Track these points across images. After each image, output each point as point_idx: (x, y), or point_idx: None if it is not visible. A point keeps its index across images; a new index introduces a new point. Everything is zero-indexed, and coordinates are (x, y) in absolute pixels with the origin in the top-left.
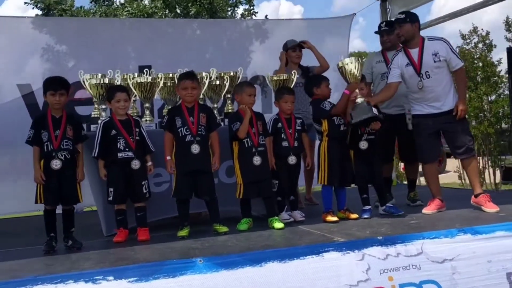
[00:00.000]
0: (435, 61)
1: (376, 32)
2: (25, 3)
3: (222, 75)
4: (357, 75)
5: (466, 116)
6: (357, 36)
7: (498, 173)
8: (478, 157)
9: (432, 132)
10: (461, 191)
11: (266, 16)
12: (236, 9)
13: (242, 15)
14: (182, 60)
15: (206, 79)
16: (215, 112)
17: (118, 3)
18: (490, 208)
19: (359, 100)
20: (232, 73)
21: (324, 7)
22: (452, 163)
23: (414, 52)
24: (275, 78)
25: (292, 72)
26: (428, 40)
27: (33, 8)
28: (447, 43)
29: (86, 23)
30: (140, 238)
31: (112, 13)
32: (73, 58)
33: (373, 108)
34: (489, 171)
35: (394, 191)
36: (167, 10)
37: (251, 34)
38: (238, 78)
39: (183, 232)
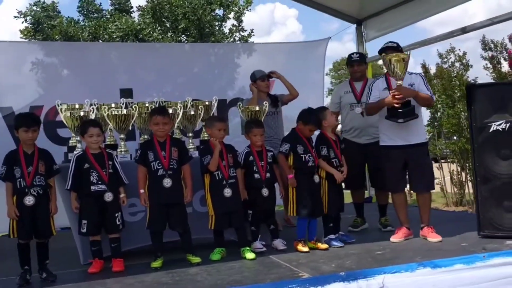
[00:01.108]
0: None
1: (346, 63)
2: (15, 17)
3: (197, 104)
4: (401, 75)
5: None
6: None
7: None
8: (460, 172)
9: (400, 163)
10: (439, 213)
11: (252, 31)
12: (224, 24)
13: (230, 30)
14: (164, 83)
15: (180, 110)
16: (190, 140)
17: (108, 15)
18: (433, 237)
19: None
20: (207, 102)
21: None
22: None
23: (394, 81)
24: (247, 109)
25: (264, 103)
26: (408, 73)
27: (22, 22)
28: (422, 78)
29: (70, 46)
30: (114, 269)
31: (102, 26)
32: (56, 82)
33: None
34: (468, 186)
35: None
36: (157, 24)
37: (235, 55)
38: (213, 107)
39: (156, 264)
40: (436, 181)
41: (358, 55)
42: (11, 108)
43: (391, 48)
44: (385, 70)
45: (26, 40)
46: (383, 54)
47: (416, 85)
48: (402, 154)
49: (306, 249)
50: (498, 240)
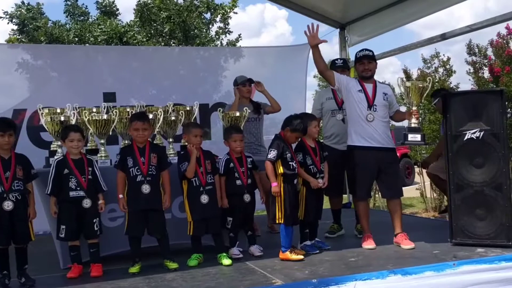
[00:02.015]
0: (383, 99)
1: (330, 68)
2: (0, 17)
3: (178, 109)
4: (415, 101)
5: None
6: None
7: None
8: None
9: (372, 170)
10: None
11: (239, 35)
12: (210, 26)
13: (217, 32)
14: (149, 87)
15: (161, 115)
16: (171, 145)
17: (94, 17)
18: (406, 245)
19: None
20: (188, 107)
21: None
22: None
23: (369, 86)
24: (227, 115)
25: (244, 109)
26: (379, 82)
27: (8, 23)
28: (392, 89)
29: (55, 49)
30: (92, 274)
31: (87, 28)
32: (40, 85)
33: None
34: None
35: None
36: (144, 28)
37: (221, 59)
38: (194, 113)
39: (134, 269)
40: (416, 186)
41: (341, 61)
42: None
43: (367, 57)
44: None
45: (11, 42)
46: (402, 79)
47: (389, 96)
48: (376, 160)
49: (301, 256)
50: (470, 248)
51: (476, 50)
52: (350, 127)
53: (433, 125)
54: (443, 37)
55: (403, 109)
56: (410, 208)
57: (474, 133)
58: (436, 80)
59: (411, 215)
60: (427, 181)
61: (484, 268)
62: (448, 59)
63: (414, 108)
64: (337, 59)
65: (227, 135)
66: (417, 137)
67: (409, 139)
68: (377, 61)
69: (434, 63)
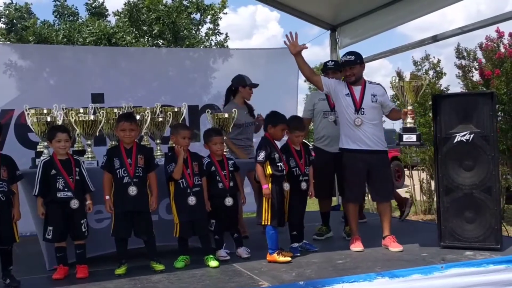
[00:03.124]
0: (372, 101)
1: (322, 70)
2: None
3: (166, 110)
4: (411, 101)
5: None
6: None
7: None
8: (430, 180)
9: (361, 173)
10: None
11: (226, 34)
12: (200, 27)
13: (206, 34)
14: (138, 88)
15: (148, 116)
16: (158, 147)
17: (83, 18)
18: (395, 247)
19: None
20: (176, 109)
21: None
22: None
23: (357, 90)
24: (215, 116)
25: (233, 110)
26: (369, 83)
27: None
28: (383, 88)
29: (44, 49)
30: (78, 275)
31: (77, 29)
32: (28, 85)
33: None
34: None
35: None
36: (133, 29)
37: (210, 60)
38: (182, 114)
39: (120, 270)
40: (405, 189)
41: (333, 63)
42: None
43: (349, 63)
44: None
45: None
46: (395, 78)
47: (379, 97)
48: (365, 163)
49: (288, 258)
50: (458, 251)
51: (465, 53)
52: (341, 130)
53: (423, 128)
54: (435, 39)
55: None
56: (399, 210)
57: (464, 135)
58: (427, 83)
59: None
60: (417, 184)
61: (472, 271)
62: (439, 61)
63: (410, 107)
64: (328, 61)
65: (207, 138)
66: (413, 137)
67: (404, 139)
68: (369, 63)
69: (425, 65)
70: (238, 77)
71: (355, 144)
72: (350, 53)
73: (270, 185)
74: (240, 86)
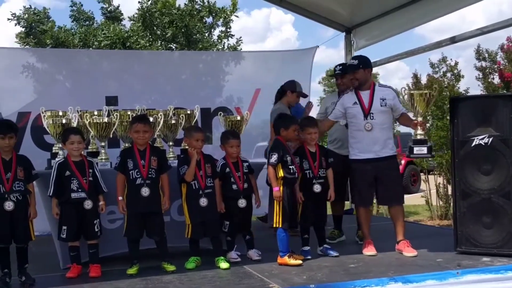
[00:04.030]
0: (381, 105)
1: (330, 75)
2: (8, 19)
3: (179, 112)
4: (422, 111)
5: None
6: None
7: None
8: (446, 185)
9: (369, 178)
10: (421, 226)
11: (239, 38)
12: (212, 30)
13: (219, 37)
14: (151, 91)
15: (161, 119)
16: (171, 149)
17: (99, 22)
18: (409, 252)
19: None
20: (188, 111)
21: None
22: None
23: (365, 94)
24: (227, 119)
25: (246, 113)
26: (379, 86)
27: (15, 25)
28: (395, 91)
29: (60, 53)
30: (91, 274)
31: (92, 33)
32: (45, 88)
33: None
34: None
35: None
36: (147, 33)
37: (223, 63)
38: (195, 117)
39: (132, 270)
40: (421, 194)
41: (340, 67)
42: (0, 114)
43: (350, 68)
44: (379, 79)
45: (19, 45)
46: (405, 88)
47: (389, 100)
48: (373, 168)
49: (299, 261)
50: (475, 257)
51: (486, 55)
52: (349, 139)
53: (441, 131)
54: (453, 40)
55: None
56: (414, 215)
57: (483, 139)
58: (445, 85)
59: (415, 223)
60: (433, 188)
61: (489, 278)
62: (456, 63)
63: (420, 118)
64: (336, 66)
65: (224, 140)
66: (423, 150)
67: (415, 152)
68: (385, 65)
69: (442, 67)
70: (290, 82)
71: (363, 154)
72: (355, 57)
73: (281, 187)
74: (289, 90)
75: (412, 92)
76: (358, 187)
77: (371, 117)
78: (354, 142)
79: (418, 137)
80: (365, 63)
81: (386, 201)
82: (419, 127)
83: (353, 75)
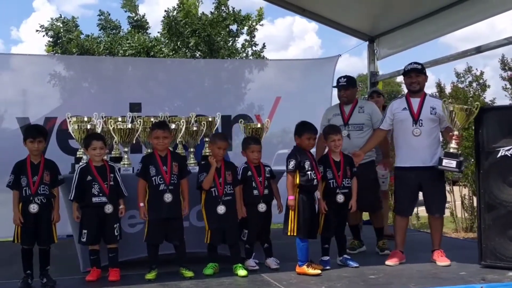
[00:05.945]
0: (431, 113)
1: (334, 87)
2: (37, 30)
3: (200, 120)
4: (460, 125)
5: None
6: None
7: None
8: (472, 197)
9: (412, 186)
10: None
11: (264, 45)
12: (236, 39)
13: (243, 45)
14: (174, 98)
15: (183, 126)
16: (191, 155)
17: (125, 31)
18: (442, 261)
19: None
20: (210, 118)
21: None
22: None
23: (415, 101)
24: (248, 126)
25: (266, 120)
26: (429, 96)
27: (43, 36)
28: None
29: (86, 60)
30: (110, 278)
31: (118, 42)
32: (70, 94)
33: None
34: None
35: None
36: (173, 41)
37: (245, 71)
38: (216, 124)
39: (150, 275)
40: (446, 205)
41: (345, 79)
42: (28, 119)
43: (415, 70)
44: (404, 89)
45: (46, 53)
46: (444, 100)
47: (439, 110)
48: (417, 177)
49: (318, 271)
50: (500, 271)
51: None
52: (396, 147)
53: (466, 142)
54: (478, 50)
55: None
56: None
57: (509, 150)
58: (470, 95)
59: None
60: (458, 200)
61: None
62: (482, 73)
63: (456, 132)
64: (340, 78)
65: (245, 145)
66: (452, 163)
67: (444, 164)
68: None
69: (468, 77)
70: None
71: (411, 161)
72: (415, 62)
73: (297, 195)
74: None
75: (452, 106)
76: (399, 195)
77: (420, 124)
78: (399, 149)
79: (451, 150)
80: (425, 70)
81: (432, 211)
82: (453, 140)
83: (416, 78)
